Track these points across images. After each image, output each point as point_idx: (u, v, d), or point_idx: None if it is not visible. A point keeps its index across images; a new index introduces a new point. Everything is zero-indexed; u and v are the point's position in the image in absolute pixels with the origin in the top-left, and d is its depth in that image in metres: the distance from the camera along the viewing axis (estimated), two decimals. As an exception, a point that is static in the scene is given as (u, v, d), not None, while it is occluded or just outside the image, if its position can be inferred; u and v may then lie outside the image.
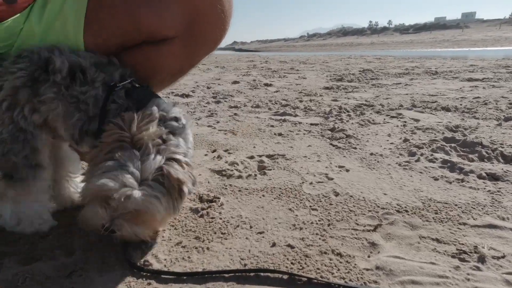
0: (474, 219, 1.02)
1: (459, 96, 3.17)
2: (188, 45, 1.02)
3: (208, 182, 1.36)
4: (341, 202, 1.15)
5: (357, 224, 1.01)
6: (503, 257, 0.84)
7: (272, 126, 2.27)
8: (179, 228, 1.02)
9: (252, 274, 0.80)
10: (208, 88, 4.38)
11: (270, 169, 1.47)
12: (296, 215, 1.07)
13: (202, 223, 1.04)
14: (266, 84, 4.63)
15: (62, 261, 0.85)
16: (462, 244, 0.90)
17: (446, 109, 2.59)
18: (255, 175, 1.41)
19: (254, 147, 1.81)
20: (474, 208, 1.08)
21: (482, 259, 0.83)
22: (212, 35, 1.04)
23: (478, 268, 0.80)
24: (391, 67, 6.72)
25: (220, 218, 1.07)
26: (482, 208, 1.08)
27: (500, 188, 1.22)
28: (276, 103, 3.14)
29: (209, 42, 1.05)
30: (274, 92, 3.95)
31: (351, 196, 1.19)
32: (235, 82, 4.91)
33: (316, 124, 2.26)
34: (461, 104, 2.76)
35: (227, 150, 1.76)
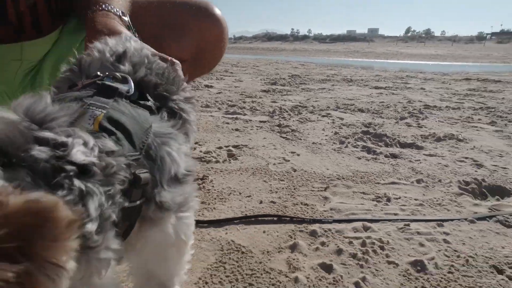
0: (383, 180, 1.56)
1: (369, 101, 3.97)
2: (193, 67, 1.29)
3: (193, 166, 1.66)
4: (299, 175, 1.58)
5: (313, 187, 1.46)
6: (399, 198, 1.37)
7: (227, 123, 2.63)
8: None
9: (253, 219, 1.16)
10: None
11: (239, 156, 1.84)
12: (271, 184, 1.47)
13: (202, 194, 1.36)
14: (207, 86, 4.93)
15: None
16: (377, 193, 1.41)
17: (361, 110, 3.30)
18: (229, 160, 1.77)
19: (219, 140, 2.15)
20: (383, 174, 1.63)
21: (388, 199, 1.35)
22: (212, 62, 1.34)
23: (387, 204, 1.31)
24: (315, 74, 7.64)
25: (215, 190, 1.40)
26: (388, 174, 1.63)
27: (398, 162, 1.81)
28: (223, 104, 3.50)
29: (208, 67, 1.36)
30: (217, 93, 4.29)
31: (305, 171, 1.64)
32: (177, 83, 5.07)
33: (264, 121, 2.70)
34: (371, 107, 3.51)
35: (197, 142, 2.07)
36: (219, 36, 1.28)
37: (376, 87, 5.43)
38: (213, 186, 1.43)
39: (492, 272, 0.92)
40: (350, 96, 4.30)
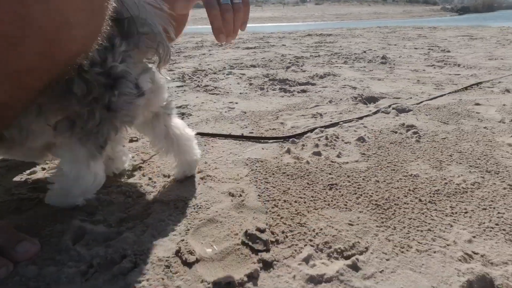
0: (309, 106, 2.12)
1: (252, 58, 4.54)
2: None
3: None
4: (252, 114, 1.96)
5: (269, 119, 1.87)
6: (326, 113, 1.95)
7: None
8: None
9: (249, 140, 1.50)
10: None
11: (191, 113, 2.05)
12: (238, 124, 1.80)
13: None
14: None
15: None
16: (312, 113, 1.95)
17: (253, 66, 3.82)
18: (186, 117, 1.96)
19: (157, 105, 2.25)
20: (306, 102, 2.19)
21: (321, 115, 1.91)
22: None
23: (322, 117, 1.87)
24: (184, 43, 7.71)
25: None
26: (309, 102, 2.20)
27: (308, 94, 2.42)
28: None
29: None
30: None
31: (253, 111, 2.02)
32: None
33: (182, 86, 2.87)
34: (257, 63, 4.08)
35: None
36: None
37: (248, 48, 6.07)
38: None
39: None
40: (233, 57, 4.76)
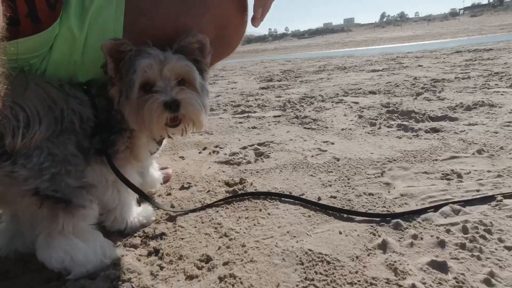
0: (440, 156, 1.40)
1: (374, 83, 3.84)
2: (214, 48, 1.13)
3: (223, 171, 1.48)
4: (346, 164, 1.41)
5: (368, 174, 1.28)
6: (469, 172, 1.21)
7: (241, 122, 2.45)
8: (229, 207, 1.13)
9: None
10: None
11: (270, 153, 1.66)
12: (320, 178, 1.29)
13: (246, 199, 1.17)
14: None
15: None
16: (443, 171, 1.24)
17: (372, 92, 3.15)
18: (261, 159, 1.58)
19: (239, 140, 1.97)
20: (436, 150, 1.47)
21: (459, 176, 1.18)
22: (234, 40, 1.18)
23: (461, 181, 1.15)
24: (306, 67, 7.51)
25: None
26: (440, 149, 1.47)
27: (443, 136, 1.66)
28: (227, 105, 3.31)
29: (231, 46, 1.19)
30: (216, 96, 4.10)
31: (350, 158, 1.47)
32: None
33: (279, 116, 2.53)
34: (380, 88, 3.37)
35: (217, 146, 1.88)
36: (240, 9, 1.12)
37: (374, 70, 5.32)
38: (256, 189, 1.25)
39: None
40: (352, 82, 4.17)
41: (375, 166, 1.36)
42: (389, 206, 1.03)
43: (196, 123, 0.94)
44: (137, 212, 1.03)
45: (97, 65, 1.00)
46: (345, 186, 1.21)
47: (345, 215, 1.00)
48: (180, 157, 1.74)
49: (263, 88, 4.45)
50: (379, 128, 1.90)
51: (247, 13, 1.22)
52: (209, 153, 1.77)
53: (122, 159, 0.95)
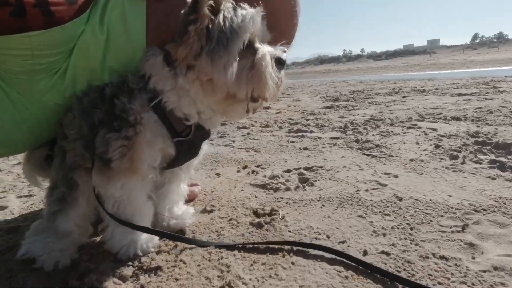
0: (558, 212, 0.97)
1: (460, 108, 3.25)
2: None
3: (256, 196, 1.26)
4: (411, 206, 1.08)
5: (441, 226, 0.94)
6: None
7: (293, 142, 2.22)
8: (248, 245, 0.91)
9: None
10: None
11: (316, 180, 1.39)
12: (372, 222, 0.99)
13: (270, 237, 0.94)
14: (264, 107, 4.64)
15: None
16: None
17: (456, 118, 2.64)
18: (303, 187, 1.33)
19: (286, 161, 1.74)
20: (549, 203, 1.04)
21: None
22: (286, 29, 1.00)
23: None
24: (378, 88, 6.95)
25: (290, 231, 0.97)
26: (558, 202, 1.04)
27: (561, 183, 1.19)
28: (284, 122, 3.12)
29: (283, 36, 1.01)
30: (276, 113, 3.94)
31: (417, 199, 1.13)
32: (233, 107, 4.88)
33: (337, 138, 2.23)
34: (467, 114, 2.82)
35: (259, 165, 1.68)
36: (291, 8, 0.93)
37: (460, 94, 4.61)
38: (286, 226, 1.00)
39: None
40: (431, 105, 3.61)
41: (454, 215, 1.00)
42: (473, 284, 0.69)
43: (277, 96, 0.84)
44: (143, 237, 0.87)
45: (119, 67, 0.91)
46: (406, 238, 0.89)
47: (400, 286, 0.70)
48: (216, 174, 1.58)
49: (327, 107, 4.15)
50: (463, 162, 1.49)
51: (298, 16, 1.03)
52: (248, 172, 1.58)
53: (118, 171, 0.80)
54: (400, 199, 1.14)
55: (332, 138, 2.24)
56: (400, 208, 1.07)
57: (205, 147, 0.97)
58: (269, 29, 0.89)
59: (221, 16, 0.74)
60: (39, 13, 0.78)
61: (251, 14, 0.75)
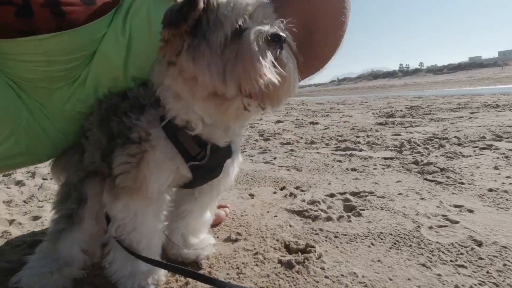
0: None
1: (548, 126, 2.72)
2: (301, 54, 0.80)
3: (290, 225, 1.08)
4: (495, 255, 0.80)
5: (548, 292, 0.66)
6: None
7: (340, 161, 1.98)
8: (272, 290, 0.72)
9: None
10: (251, 127, 4.24)
11: (364, 209, 1.16)
12: (439, 275, 0.74)
13: (301, 283, 0.74)
14: (312, 123, 4.42)
15: None
16: None
17: (546, 139, 2.17)
18: (348, 216, 1.11)
19: (329, 183, 1.52)
20: None
21: None
22: (331, 29, 0.83)
23: None
24: (440, 104, 6.30)
25: (327, 277, 0.77)
26: None
27: None
28: (332, 139, 2.87)
29: (328, 37, 0.85)
30: (324, 129, 3.70)
31: (504, 247, 0.84)
32: (278, 122, 4.75)
33: (391, 158, 1.94)
34: (559, 134, 2.32)
35: (298, 187, 1.49)
36: (338, 6, 0.76)
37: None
38: (323, 269, 0.80)
39: None
40: (509, 123, 3.09)
41: None
42: None
43: (290, 87, 0.64)
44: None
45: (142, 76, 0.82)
46: (494, 307, 0.63)
47: None
48: (249, 195, 1.43)
49: (380, 123, 3.80)
50: None
51: (347, 13, 0.85)
52: (285, 195, 1.39)
53: (122, 190, 0.69)
54: (480, 244, 0.87)
55: (385, 158, 1.96)
56: (480, 258, 0.80)
57: (236, 168, 0.83)
58: (309, 31, 0.72)
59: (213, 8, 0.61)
60: (49, 13, 0.71)
61: (232, 0, 0.61)
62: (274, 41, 0.59)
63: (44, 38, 0.72)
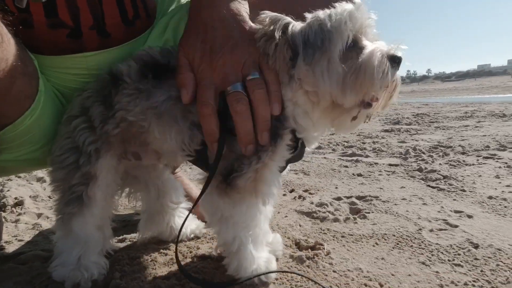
0: None
1: (553, 137, 2.76)
2: None
3: (300, 225, 1.16)
4: (490, 257, 0.88)
5: (536, 290, 0.73)
6: None
7: (346, 166, 2.06)
8: (286, 282, 0.80)
9: None
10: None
11: (369, 212, 1.24)
12: (437, 272, 0.82)
13: (311, 276, 0.82)
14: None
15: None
16: None
17: (549, 150, 2.22)
18: (354, 218, 1.19)
19: (336, 187, 1.60)
20: None
21: None
22: None
23: None
24: (447, 111, 6.33)
25: (335, 271, 0.84)
26: None
27: None
28: (338, 145, 2.95)
29: None
30: (330, 134, 3.77)
31: (499, 249, 0.91)
32: (285, 126, 4.82)
33: (396, 165, 2.01)
34: None
35: (307, 190, 1.57)
36: None
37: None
38: (331, 264, 0.88)
39: None
40: (514, 133, 3.13)
41: (553, 275, 0.78)
42: None
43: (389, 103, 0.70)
44: None
45: None
46: (485, 301, 0.70)
47: None
48: (260, 196, 1.51)
49: (386, 130, 3.87)
50: (563, 206, 1.20)
51: None
52: (294, 197, 1.47)
53: None
54: (476, 246, 0.94)
55: (390, 164, 2.03)
56: (476, 259, 0.87)
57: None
58: None
59: (289, 28, 0.67)
60: (95, 34, 0.81)
61: (348, 10, 0.65)
62: (395, 61, 0.65)
63: (89, 55, 0.82)
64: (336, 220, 1.18)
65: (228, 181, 0.70)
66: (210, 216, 0.76)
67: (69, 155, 0.76)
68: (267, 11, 0.67)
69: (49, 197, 1.56)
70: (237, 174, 0.69)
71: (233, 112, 0.66)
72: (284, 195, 1.52)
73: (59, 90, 0.87)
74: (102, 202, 0.80)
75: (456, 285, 0.76)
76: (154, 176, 0.98)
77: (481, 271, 0.81)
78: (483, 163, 1.94)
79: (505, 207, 1.23)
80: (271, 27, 0.66)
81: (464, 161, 2.01)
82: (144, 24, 0.88)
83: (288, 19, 0.67)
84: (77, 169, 0.75)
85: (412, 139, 3.08)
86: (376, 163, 2.09)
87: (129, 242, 1.06)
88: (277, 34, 0.65)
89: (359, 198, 1.41)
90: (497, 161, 1.97)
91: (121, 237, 1.08)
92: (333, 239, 1.03)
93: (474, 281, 0.77)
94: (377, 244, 0.99)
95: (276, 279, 0.80)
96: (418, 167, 1.89)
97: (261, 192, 0.72)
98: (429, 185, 1.55)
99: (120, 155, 0.82)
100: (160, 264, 0.90)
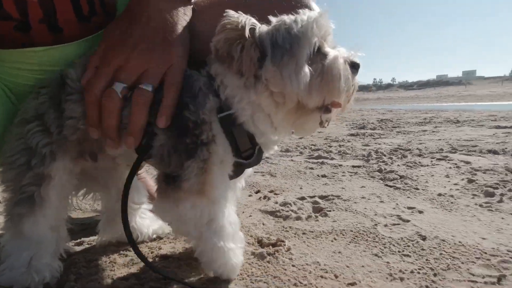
0: None
1: (498, 141, 3.01)
2: None
3: (263, 224, 1.18)
4: (435, 247, 0.95)
5: (472, 275, 0.81)
6: None
7: (311, 168, 2.12)
8: (246, 278, 0.82)
9: None
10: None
11: (330, 211, 1.29)
12: (388, 263, 0.87)
13: (271, 271, 0.85)
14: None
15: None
16: None
17: (494, 152, 2.42)
18: (316, 216, 1.23)
19: (301, 188, 1.65)
20: None
21: None
22: None
23: None
24: (408, 118, 6.70)
25: (294, 265, 0.87)
26: None
27: None
28: (306, 148, 3.03)
29: None
30: (299, 138, 3.86)
31: (443, 240, 0.99)
32: (256, 130, 4.87)
33: (359, 166, 2.11)
34: (506, 148, 2.59)
35: (272, 191, 1.60)
36: None
37: (499, 127, 4.31)
38: (291, 259, 0.91)
39: None
40: (465, 137, 3.39)
41: (488, 262, 0.86)
42: None
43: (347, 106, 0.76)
44: None
45: None
46: (427, 286, 0.76)
47: None
48: (226, 197, 1.52)
49: (352, 134, 4.02)
50: (500, 201, 1.32)
51: None
52: (260, 198, 1.50)
53: None
54: (424, 238, 1.01)
55: (353, 166, 2.12)
56: (422, 249, 0.94)
57: (242, 182, 0.93)
58: None
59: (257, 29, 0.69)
60: (46, 29, 0.79)
61: (314, 17, 0.69)
62: (355, 67, 0.71)
63: (39, 50, 0.80)
64: (298, 218, 1.21)
65: (172, 186, 0.71)
66: (163, 219, 0.80)
67: (20, 156, 0.74)
68: (230, 11, 0.69)
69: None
70: (182, 179, 0.70)
71: (103, 107, 0.70)
72: (250, 196, 1.54)
73: (8, 86, 0.84)
74: (56, 202, 0.77)
75: (403, 273, 0.82)
76: (115, 176, 0.96)
77: (426, 260, 0.88)
78: (436, 164, 2.08)
79: (452, 203, 1.34)
80: (239, 27, 0.68)
81: (419, 162, 2.15)
82: (101, 20, 0.87)
83: (254, 20, 0.70)
84: (29, 169, 0.73)
85: (375, 143, 3.23)
86: (340, 165, 2.17)
87: (88, 245, 1.03)
88: (247, 34, 0.67)
89: (322, 197, 1.46)
90: (448, 162, 2.12)
91: (79, 240, 1.05)
92: (295, 236, 1.07)
93: (419, 269, 0.84)
94: (335, 239, 1.03)
95: (237, 274, 0.82)
96: (379, 168, 1.99)
97: (208, 194, 0.72)
98: (387, 184, 1.64)
99: (77, 156, 0.80)
100: (120, 266, 0.88)
